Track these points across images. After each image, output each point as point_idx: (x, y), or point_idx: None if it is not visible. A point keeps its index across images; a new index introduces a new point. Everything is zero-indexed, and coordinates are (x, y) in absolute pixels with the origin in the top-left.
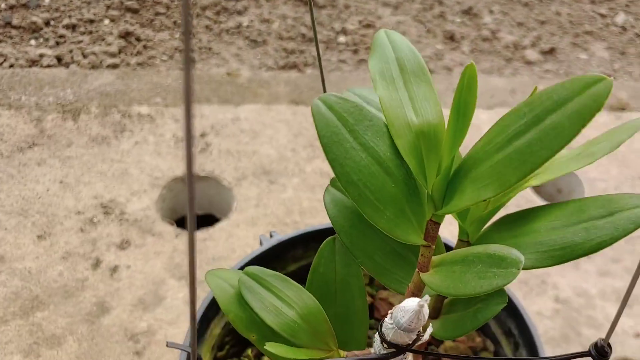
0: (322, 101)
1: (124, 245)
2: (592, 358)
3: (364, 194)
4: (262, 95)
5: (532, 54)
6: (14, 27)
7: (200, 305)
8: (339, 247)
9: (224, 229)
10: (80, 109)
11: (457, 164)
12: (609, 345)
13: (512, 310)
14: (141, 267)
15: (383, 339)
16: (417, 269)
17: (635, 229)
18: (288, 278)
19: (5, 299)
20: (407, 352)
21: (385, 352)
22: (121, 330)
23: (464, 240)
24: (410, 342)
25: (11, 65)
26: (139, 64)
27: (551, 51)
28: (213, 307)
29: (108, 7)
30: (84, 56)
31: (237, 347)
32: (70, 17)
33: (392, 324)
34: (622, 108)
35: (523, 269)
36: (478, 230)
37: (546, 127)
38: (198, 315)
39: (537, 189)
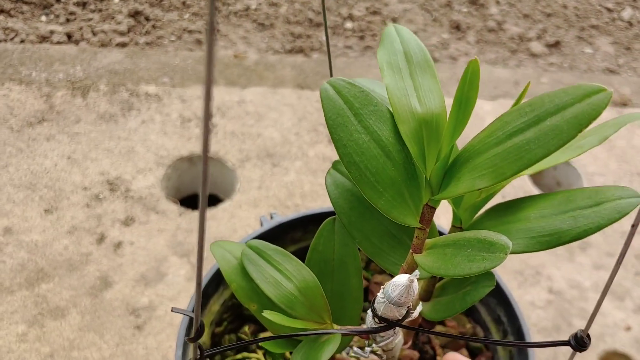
0: (330, 85)
1: (128, 221)
2: (572, 348)
3: (364, 175)
4: (268, 78)
5: (537, 47)
6: (25, 3)
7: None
8: (338, 228)
9: (227, 209)
10: (90, 86)
11: (455, 153)
12: (588, 336)
13: (502, 299)
14: (144, 244)
15: (375, 314)
16: (410, 250)
17: (619, 218)
18: (288, 253)
19: (12, 270)
20: (397, 329)
21: (376, 326)
22: (123, 304)
23: (457, 227)
24: (400, 318)
25: (22, 41)
26: (148, 44)
27: (556, 44)
28: (212, 284)
29: None
30: (94, 34)
31: (235, 323)
32: None
33: (383, 298)
34: (624, 104)
35: (513, 253)
36: (471, 217)
37: (545, 128)
38: None
39: (537, 182)
